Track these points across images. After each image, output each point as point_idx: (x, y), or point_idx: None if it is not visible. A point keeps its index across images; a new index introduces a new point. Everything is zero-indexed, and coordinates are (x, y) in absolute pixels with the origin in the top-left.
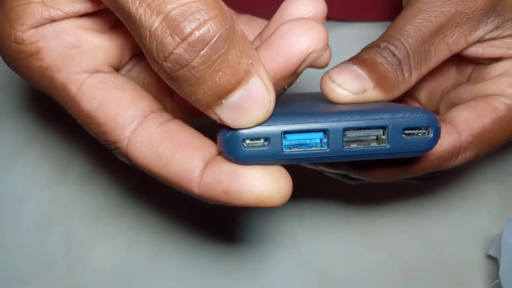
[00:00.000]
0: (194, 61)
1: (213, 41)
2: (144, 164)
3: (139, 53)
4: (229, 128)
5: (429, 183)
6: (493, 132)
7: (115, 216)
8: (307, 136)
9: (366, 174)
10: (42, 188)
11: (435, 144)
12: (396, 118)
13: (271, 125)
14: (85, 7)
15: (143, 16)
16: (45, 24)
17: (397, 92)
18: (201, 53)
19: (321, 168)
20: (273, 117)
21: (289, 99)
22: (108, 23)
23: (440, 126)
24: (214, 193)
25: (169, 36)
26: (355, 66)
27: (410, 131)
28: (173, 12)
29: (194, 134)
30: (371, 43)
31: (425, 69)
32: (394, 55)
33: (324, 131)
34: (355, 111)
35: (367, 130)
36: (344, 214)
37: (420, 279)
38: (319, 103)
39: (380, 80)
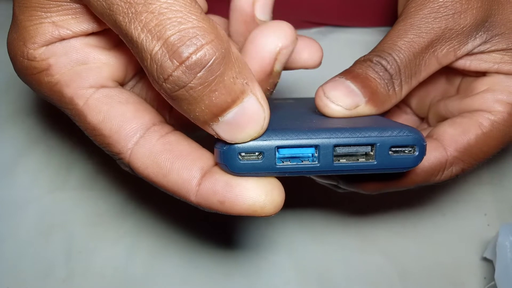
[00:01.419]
0: (192, 82)
1: (209, 64)
2: (146, 174)
3: (142, 70)
4: (226, 142)
5: (414, 190)
6: (478, 147)
7: (116, 222)
8: (299, 151)
9: (355, 186)
10: (43, 193)
11: (420, 161)
12: (383, 137)
13: (265, 140)
14: (92, 26)
15: (145, 41)
16: (55, 42)
17: (388, 106)
18: (198, 75)
19: (313, 176)
20: (268, 132)
21: (284, 107)
22: (113, 41)
23: (426, 144)
24: (210, 202)
25: (168, 60)
26: (349, 81)
27: (397, 149)
28: (172, 38)
29: (193, 146)
30: (363, 56)
31: (415, 82)
32: (386, 70)
33: (316, 146)
34: (345, 128)
35: (356, 146)
36: (342, 219)
37: (416, 282)
38: (312, 115)
39: (372, 95)
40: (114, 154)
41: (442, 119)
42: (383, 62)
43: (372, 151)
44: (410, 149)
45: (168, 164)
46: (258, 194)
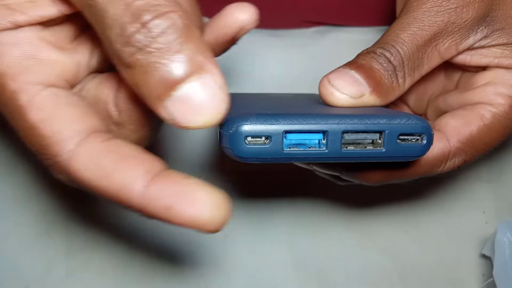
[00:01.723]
0: (151, 46)
1: (170, 30)
2: (85, 176)
3: (95, 70)
4: (232, 124)
5: (414, 184)
6: (480, 139)
7: (116, 219)
8: (306, 136)
9: (359, 176)
10: (43, 191)
11: (428, 150)
12: (392, 124)
13: (273, 123)
14: (50, 12)
15: (109, 5)
16: (7, 29)
17: (392, 97)
18: (158, 39)
19: (314, 167)
20: (275, 116)
21: (288, 99)
22: (69, 37)
23: (433, 134)
24: (155, 207)
25: (131, 22)
26: (353, 71)
27: (405, 137)
28: (136, 2)
29: (139, 150)
30: (367, 49)
31: (417, 76)
32: (389, 61)
33: (324, 132)
34: (354, 114)
35: (364, 133)
36: (342, 216)
37: (415, 279)
38: (318, 105)
39: (376, 85)
40: (50, 157)
41: (442, 113)
42: (387, 54)
43: (380, 139)
44: (418, 137)
45: (111, 164)
46: (209, 206)
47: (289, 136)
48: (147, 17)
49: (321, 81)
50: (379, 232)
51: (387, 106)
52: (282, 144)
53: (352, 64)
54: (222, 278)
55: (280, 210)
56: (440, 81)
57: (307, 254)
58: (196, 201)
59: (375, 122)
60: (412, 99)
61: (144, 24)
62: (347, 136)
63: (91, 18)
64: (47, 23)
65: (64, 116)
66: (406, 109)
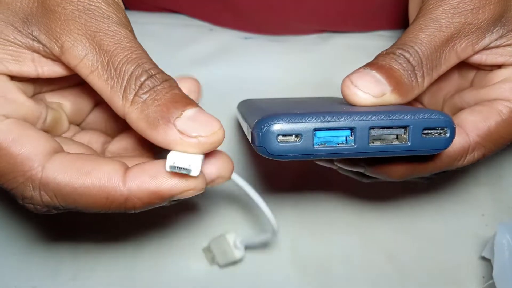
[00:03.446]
0: (159, 85)
1: (169, 79)
2: (64, 180)
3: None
4: (264, 124)
5: (428, 181)
6: (499, 133)
7: (123, 220)
8: (335, 133)
9: (382, 172)
10: None
11: (451, 143)
12: (417, 119)
13: (303, 122)
14: (32, 72)
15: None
16: None
17: (412, 96)
18: (162, 83)
19: (338, 165)
20: (305, 115)
21: (312, 101)
22: (38, 88)
23: (455, 127)
24: (145, 186)
25: (140, 77)
26: (374, 71)
27: (429, 131)
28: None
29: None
30: (386, 50)
31: (435, 75)
32: (408, 61)
33: (352, 129)
34: (379, 111)
35: (390, 129)
36: (343, 218)
37: (416, 280)
38: (342, 105)
39: (397, 84)
40: (21, 174)
41: (458, 111)
42: (406, 54)
43: (405, 134)
44: (441, 131)
45: (89, 162)
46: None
47: (319, 133)
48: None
49: (343, 82)
50: (380, 234)
51: (406, 104)
52: (312, 141)
53: (373, 64)
54: (222, 277)
55: (281, 210)
56: (454, 80)
57: (309, 255)
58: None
59: (400, 117)
60: (426, 99)
61: (150, 76)
62: (374, 132)
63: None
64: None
65: (32, 135)
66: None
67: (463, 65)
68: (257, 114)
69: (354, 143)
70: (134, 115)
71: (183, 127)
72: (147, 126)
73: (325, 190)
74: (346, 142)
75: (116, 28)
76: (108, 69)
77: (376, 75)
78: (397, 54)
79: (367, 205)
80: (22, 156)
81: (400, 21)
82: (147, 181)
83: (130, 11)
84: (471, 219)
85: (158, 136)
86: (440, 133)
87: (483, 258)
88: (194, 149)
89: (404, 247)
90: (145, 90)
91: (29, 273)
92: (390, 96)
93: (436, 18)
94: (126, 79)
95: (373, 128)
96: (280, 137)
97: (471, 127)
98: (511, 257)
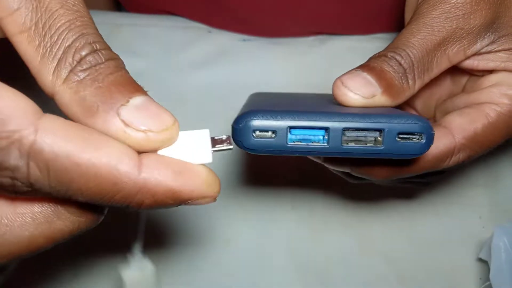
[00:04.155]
0: (103, 63)
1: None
2: (66, 151)
3: None
4: (242, 120)
5: (427, 186)
6: (485, 136)
7: (119, 221)
8: (310, 132)
9: (366, 172)
10: None
11: (427, 149)
12: (391, 123)
13: (278, 120)
14: None
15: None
16: None
17: (402, 98)
18: (107, 62)
19: (326, 164)
20: (281, 113)
21: (305, 98)
22: None
23: (434, 133)
24: (163, 175)
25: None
26: (365, 73)
27: (405, 135)
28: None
29: None
30: (378, 53)
31: (427, 78)
32: (400, 64)
33: (326, 129)
34: (356, 113)
35: (365, 131)
36: (341, 218)
37: (413, 282)
38: (326, 103)
39: (387, 86)
40: (6, 137)
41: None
42: (398, 57)
43: (380, 137)
44: (417, 136)
45: (97, 134)
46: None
47: (294, 131)
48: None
49: (334, 82)
50: (378, 236)
51: (397, 108)
52: (287, 138)
53: (364, 66)
54: (224, 281)
55: (281, 214)
56: (446, 86)
57: (307, 256)
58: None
59: (375, 120)
60: (419, 104)
61: (95, 51)
62: (348, 133)
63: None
64: None
65: (12, 96)
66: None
67: (456, 71)
68: (243, 108)
69: (327, 143)
70: (66, 96)
71: (129, 118)
72: (82, 111)
73: (324, 192)
74: (322, 141)
75: None
76: (43, 33)
77: (367, 76)
78: (389, 56)
79: (365, 207)
80: (6, 113)
81: (398, 23)
82: (170, 176)
83: (129, 13)
84: (468, 221)
85: (95, 125)
86: (417, 139)
87: (480, 260)
88: (139, 146)
89: (401, 249)
90: (84, 66)
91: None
92: (380, 98)
93: (429, 23)
94: (62, 49)
95: (348, 130)
96: (257, 133)
97: (458, 129)
98: (508, 259)
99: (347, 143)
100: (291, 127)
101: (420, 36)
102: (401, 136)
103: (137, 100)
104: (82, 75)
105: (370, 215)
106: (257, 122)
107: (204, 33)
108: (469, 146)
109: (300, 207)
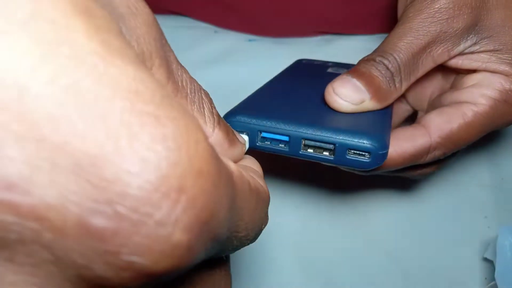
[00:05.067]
0: None
1: None
2: None
3: None
4: (225, 119)
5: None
6: (459, 135)
7: None
8: (276, 137)
9: None
10: None
11: (375, 166)
12: (342, 140)
13: (250, 124)
14: None
15: None
16: None
17: (390, 100)
18: None
19: None
20: (254, 117)
21: (302, 94)
22: None
23: (383, 153)
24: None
25: None
26: (355, 79)
27: (355, 151)
28: None
29: None
30: (367, 56)
31: (413, 79)
32: (387, 68)
33: (288, 136)
34: (316, 125)
35: (320, 142)
36: (346, 220)
37: (418, 281)
38: (318, 102)
39: (375, 92)
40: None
41: None
42: (385, 62)
43: (333, 149)
44: (365, 154)
45: None
46: None
47: (264, 134)
48: None
49: (326, 89)
50: (383, 235)
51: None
52: (257, 139)
53: (354, 72)
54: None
55: (285, 213)
56: (438, 82)
57: (312, 255)
58: None
59: (329, 135)
60: (410, 97)
61: None
62: (307, 142)
63: None
64: None
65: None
66: (405, 105)
67: (446, 68)
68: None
69: (288, 148)
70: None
71: None
72: None
73: (328, 190)
74: (284, 145)
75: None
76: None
77: (356, 82)
78: (377, 61)
79: (370, 206)
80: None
81: None
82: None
83: None
84: (474, 221)
85: None
86: (365, 156)
87: (486, 259)
88: None
89: (407, 247)
90: None
91: None
92: (369, 103)
93: (414, 27)
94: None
95: (306, 139)
96: (236, 131)
97: (435, 129)
98: None
99: (306, 149)
100: (261, 131)
101: (407, 41)
102: (352, 151)
103: None
104: None
105: (375, 213)
106: (233, 123)
107: (210, 33)
108: (444, 145)
109: (304, 206)
